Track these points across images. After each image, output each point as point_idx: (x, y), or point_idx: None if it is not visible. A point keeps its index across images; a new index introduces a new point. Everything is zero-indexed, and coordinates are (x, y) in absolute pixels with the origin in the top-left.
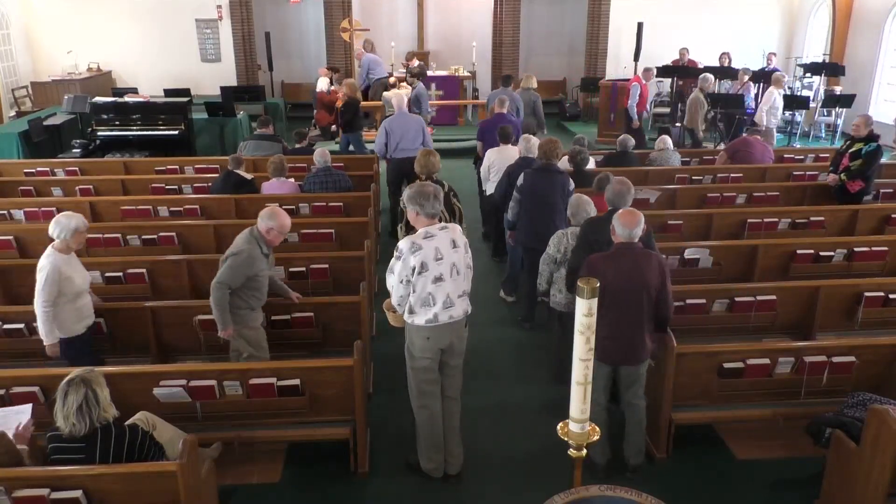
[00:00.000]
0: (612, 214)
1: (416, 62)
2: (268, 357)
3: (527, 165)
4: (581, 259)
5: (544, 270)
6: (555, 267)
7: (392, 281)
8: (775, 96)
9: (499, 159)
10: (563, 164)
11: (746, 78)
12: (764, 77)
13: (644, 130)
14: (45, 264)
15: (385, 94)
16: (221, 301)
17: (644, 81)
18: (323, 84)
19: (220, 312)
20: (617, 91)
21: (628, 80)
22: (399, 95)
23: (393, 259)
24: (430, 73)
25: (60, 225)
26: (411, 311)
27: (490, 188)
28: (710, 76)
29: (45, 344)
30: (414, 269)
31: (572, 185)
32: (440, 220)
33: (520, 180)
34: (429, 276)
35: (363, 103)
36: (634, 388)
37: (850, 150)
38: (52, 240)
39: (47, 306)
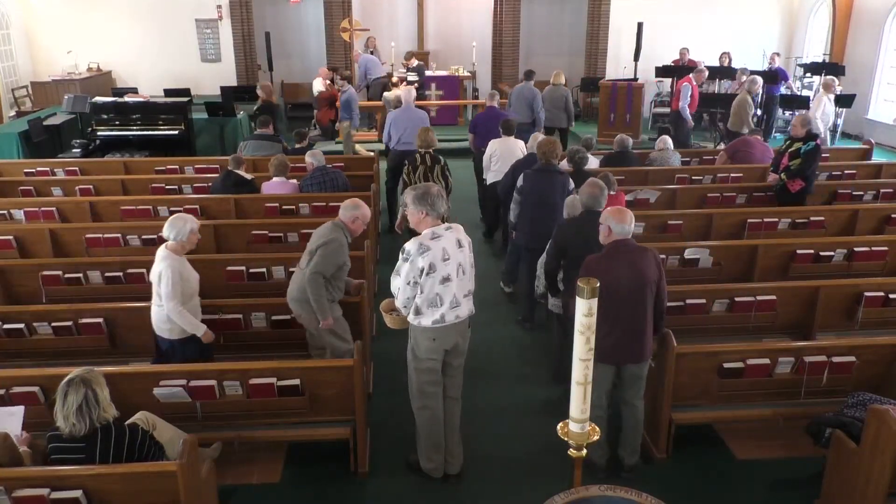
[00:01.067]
0: (585, 217)
1: (414, 62)
2: (352, 346)
3: (534, 161)
4: (554, 263)
5: (542, 274)
6: (550, 255)
7: (398, 283)
8: (825, 102)
9: (500, 149)
10: (563, 164)
11: (744, 78)
12: (766, 77)
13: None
14: (163, 268)
15: (385, 94)
16: (320, 290)
17: (695, 83)
18: (319, 85)
19: (320, 302)
20: (617, 91)
21: (628, 80)
22: (408, 90)
23: (399, 261)
24: (429, 73)
25: (177, 227)
26: (418, 313)
27: (491, 177)
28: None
29: (199, 336)
30: (422, 271)
31: (572, 185)
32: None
33: (520, 181)
34: (436, 277)
35: (363, 103)
36: (636, 388)
37: (790, 150)
38: (162, 240)
39: (180, 306)
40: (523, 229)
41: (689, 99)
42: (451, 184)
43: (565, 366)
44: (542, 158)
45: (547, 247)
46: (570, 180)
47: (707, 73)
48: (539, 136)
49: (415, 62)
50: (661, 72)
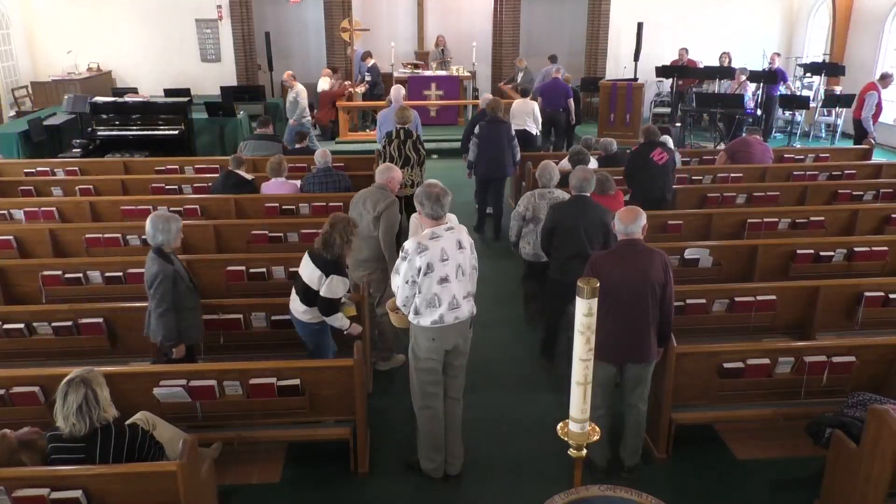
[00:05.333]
0: (575, 200)
1: (370, 62)
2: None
3: (482, 117)
4: (546, 241)
5: (514, 225)
6: (523, 223)
7: (397, 281)
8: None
9: (516, 108)
10: (564, 164)
11: (744, 77)
12: (766, 77)
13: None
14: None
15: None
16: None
17: (882, 88)
18: (324, 84)
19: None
20: (617, 91)
21: (628, 80)
22: (397, 88)
23: (398, 259)
24: (429, 73)
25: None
26: (417, 313)
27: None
28: None
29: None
30: (420, 270)
31: (513, 131)
32: (442, 220)
33: (476, 130)
34: (434, 277)
35: (361, 103)
36: (639, 391)
37: None
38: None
39: None
40: (480, 165)
41: (873, 108)
42: (423, 156)
43: (553, 323)
44: (491, 112)
45: (522, 215)
46: (512, 128)
47: (893, 78)
48: (485, 98)
49: (370, 62)
50: (661, 72)
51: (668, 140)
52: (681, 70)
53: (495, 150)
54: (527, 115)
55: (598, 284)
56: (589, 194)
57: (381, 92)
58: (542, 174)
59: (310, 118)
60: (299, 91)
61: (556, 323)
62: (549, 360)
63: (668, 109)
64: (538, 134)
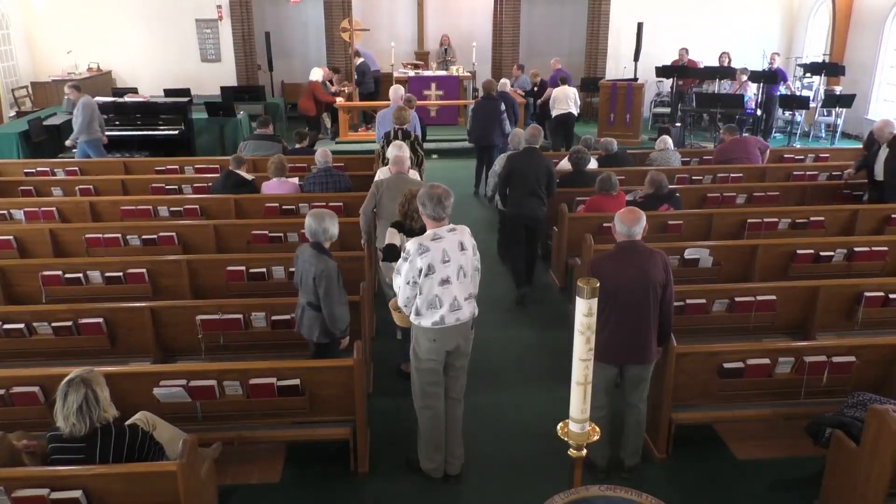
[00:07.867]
0: (527, 151)
1: (357, 60)
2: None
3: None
4: (502, 186)
5: (491, 182)
6: (500, 181)
7: (399, 282)
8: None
9: (558, 94)
10: (565, 164)
11: (745, 77)
12: (766, 77)
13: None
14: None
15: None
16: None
17: None
18: (316, 74)
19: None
20: (617, 91)
21: (628, 80)
22: (395, 89)
23: (400, 260)
24: (429, 73)
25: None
26: (418, 313)
27: (555, 113)
28: None
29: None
30: (421, 271)
31: (503, 107)
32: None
33: (472, 106)
34: (435, 279)
35: (360, 103)
36: (640, 391)
37: None
38: None
39: None
40: (474, 135)
41: None
42: (421, 157)
43: (503, 245)
44: (484, 91)
45: (498, 173)
46: (502, 104)
47: None
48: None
49: (358, 60)
50: (661, 72)
51: (668, 140)
52: (681, 70)
53: (485, 121)
54: (569, 99)
55: (598, 285)
56: (538, 147)
57: (369, 90)
58: (513, 140)
59: (100, 134)
60: (84, 103)
61: (515, 252)
62: (518, 288)
63: (668, 109)
64: (578, 115)
